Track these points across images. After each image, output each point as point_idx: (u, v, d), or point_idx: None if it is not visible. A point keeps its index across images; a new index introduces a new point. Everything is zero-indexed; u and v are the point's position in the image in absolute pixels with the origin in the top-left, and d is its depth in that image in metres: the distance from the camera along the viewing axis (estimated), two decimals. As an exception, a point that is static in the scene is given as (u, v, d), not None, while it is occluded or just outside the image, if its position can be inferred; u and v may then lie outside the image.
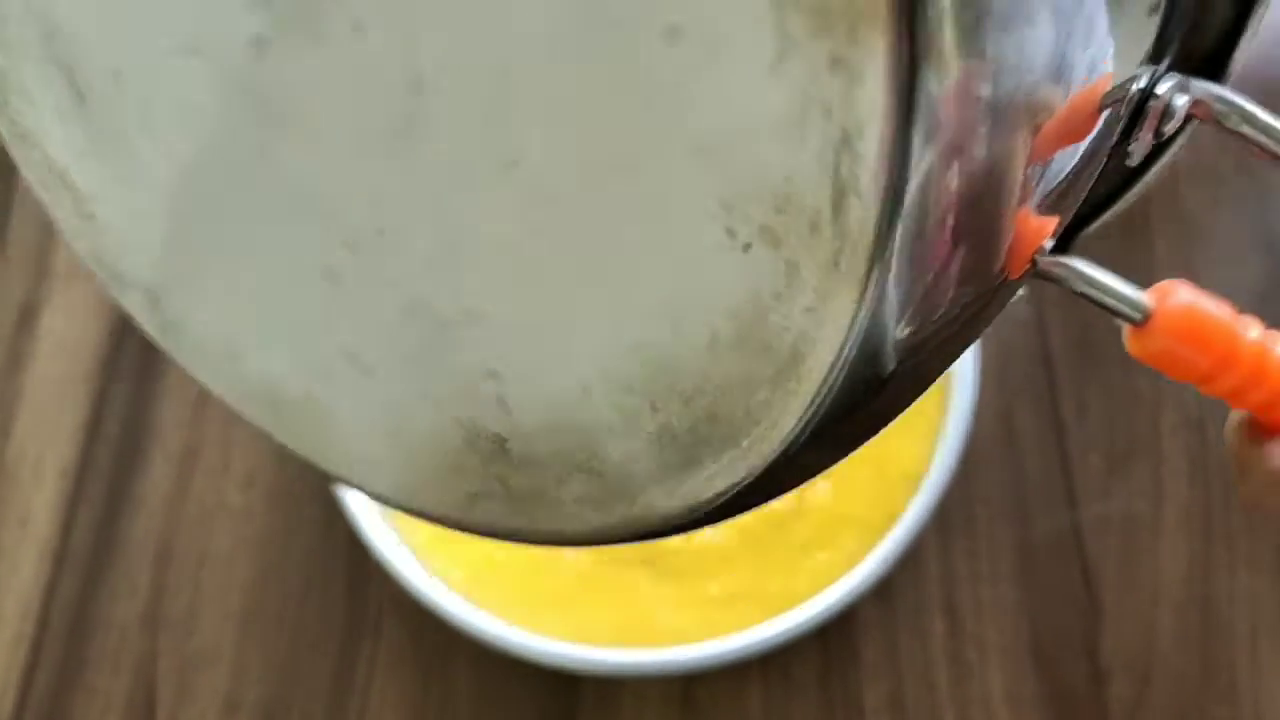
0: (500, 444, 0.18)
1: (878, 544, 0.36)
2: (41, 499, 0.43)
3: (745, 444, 0.16)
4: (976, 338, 0.17)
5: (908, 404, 0.17)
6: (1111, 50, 0.15)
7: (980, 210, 0.14)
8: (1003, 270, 0.16)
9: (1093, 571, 0.40)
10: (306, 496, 0.42)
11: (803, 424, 0.15)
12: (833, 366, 0.15)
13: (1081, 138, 0.16)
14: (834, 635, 0.39)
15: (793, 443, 0.16)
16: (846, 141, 0.13)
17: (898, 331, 0.14)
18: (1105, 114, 0.16)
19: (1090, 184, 0.18)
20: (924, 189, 0.13)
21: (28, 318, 0.45)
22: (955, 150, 0.13)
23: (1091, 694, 0.39)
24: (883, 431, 0.42)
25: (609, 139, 0.14)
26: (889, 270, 0.14)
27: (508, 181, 0.15)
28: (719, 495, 0.17)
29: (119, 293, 0.21)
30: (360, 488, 0.21)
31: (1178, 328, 0.19)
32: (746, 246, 0.14)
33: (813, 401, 0.15)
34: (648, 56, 0.13)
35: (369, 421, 0.20)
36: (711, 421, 0.16)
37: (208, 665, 0.41)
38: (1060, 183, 0.16)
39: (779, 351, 0.15)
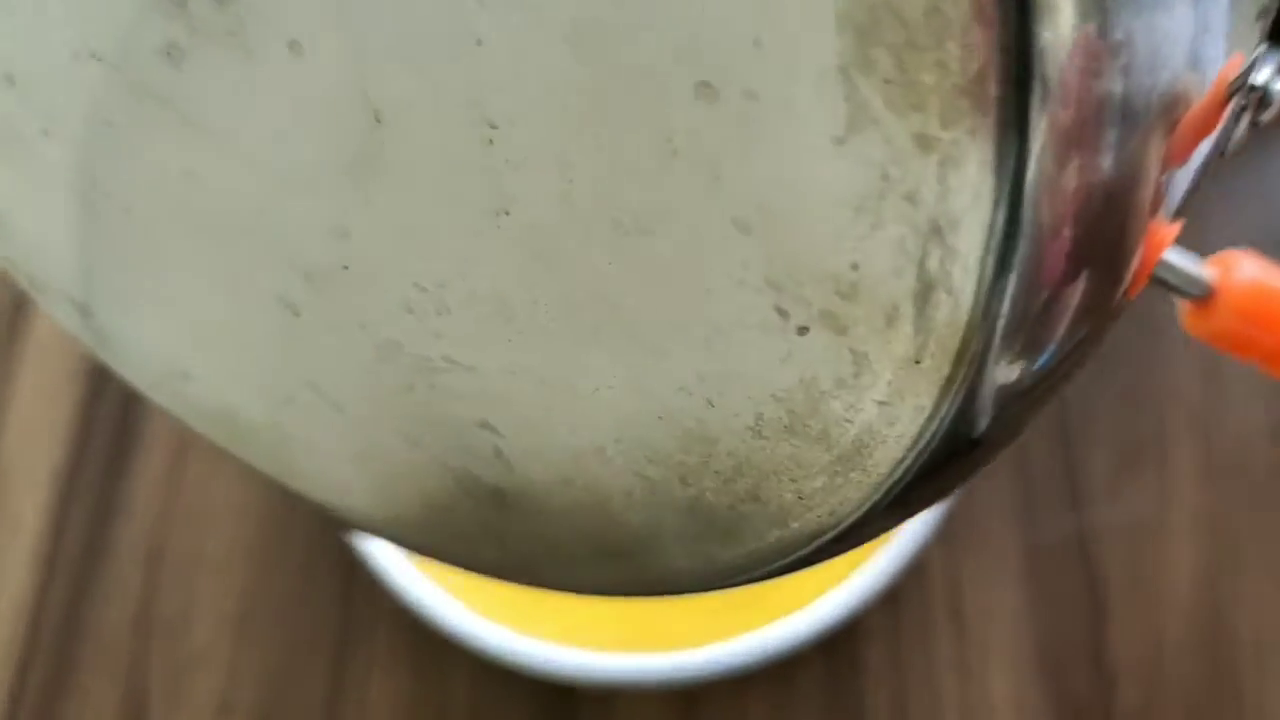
0: (498, 494, 0.16)
1: (882, 549, 0.36)
2: (32, 501, 0.42)
3: (796, 526, 0.14)
4: (1080, 370, 0.15)
5: (996, 456, 0.15)
6: (1226, 29, 0.13)
7: (1107, 231, 0.12)
8: (1126, 292, 0.14)
9: (1099, 577, 0.40)
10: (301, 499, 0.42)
11: (867, 509, 0.13)
12: (904, 458, 0.13)
13: (1212, 130, 0.14)
14: (837, 641, 0.39)
15: (854, 525, 0.14)
16: (937, 233, 0.11)
17: (1000, 377, 0.12)
18: (1233, 103, 0.14)
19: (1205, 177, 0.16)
20: (1038, 218, 0.11)
21: (18, 320, 0.45)
22: (1078, 169, 0.11)
23: (1097, 701, 0.39)
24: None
25: (623, 197, 0.12)
26: (986, 366, 0.12)
27: (496, 230, 0.13)
28: (762, 568, 0.15)
29: (43, 301, 0.19)
30: (333, 512, 0.19)
31: (1245, 305, 0.17)
32: (802, 330, 0.12)
33: (879, 488, 0.13)
34: (674, 114, 0.11)
35: (340, 453, 0.18)
36: (755, 501, 0.14)
37: (200, 669, 0.40)
38: (1191, 182, 0.14)
39: (839, 442, 0.13)
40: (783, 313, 0.12)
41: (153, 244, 0.16)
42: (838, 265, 0.11)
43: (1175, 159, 0.12)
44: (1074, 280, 0.12)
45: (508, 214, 0.13)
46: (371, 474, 0.18)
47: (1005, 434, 0.14)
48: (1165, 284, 0.17)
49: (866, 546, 0.37)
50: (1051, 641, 0.39)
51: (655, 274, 0.13)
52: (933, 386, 0.12)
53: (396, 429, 0.17)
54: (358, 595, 0.40)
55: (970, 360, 0.12)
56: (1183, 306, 0.18)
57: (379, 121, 0.13)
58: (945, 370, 0.12)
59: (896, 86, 0.10)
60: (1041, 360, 0.12)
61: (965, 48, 0.10)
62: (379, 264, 0.15)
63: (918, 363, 0.12)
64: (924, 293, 0.11)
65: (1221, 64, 0.13)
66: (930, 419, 0.12)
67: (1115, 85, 0.10)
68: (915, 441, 0.12)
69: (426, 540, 0.19)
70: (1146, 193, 0.12)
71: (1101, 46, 0.10)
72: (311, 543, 0.41)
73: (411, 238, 0.14)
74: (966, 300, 0.11)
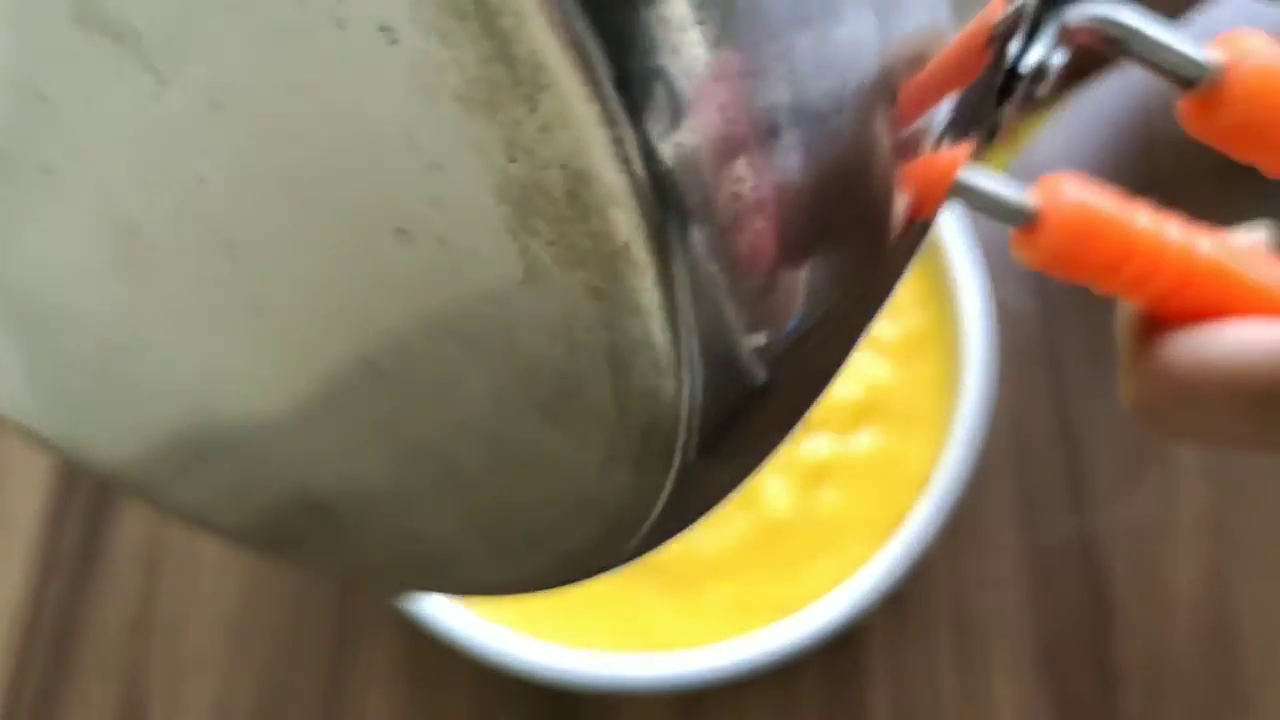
0: (320, 517, 0.18)
1: (885, 551, 0.36)
2: (29, 502, 0.42)
3: (589, 537, 0.15)
4: (896, 287, 0.15)
5: (824, 388, 0.15)
6: None
7: (826, 211, 0.12)
8: (909, 223, 0.14)
9: (1102, 578, 0.40)
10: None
11: (663, 504, 0.14)
12: (655, 513, 0.14)
13: (973, 76, 0.14)
14: (839, 643, 0.38)
15: (661, 517, 0.14)
16: (615, 355, 0.12)
17: (752, 343, 0.13)
18: (996, 46, 0.14)
19: (996, 100, 0.16)
20: (725, 312, 0.12)
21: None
22: (771, 190, 0.11)
23: (1101, 704, 0.38)
24: (890, 436, 0.41)
25: (358, 316, 0.13)
26: (690, 454, 0.13)
27: (260, 325, 0.14)
28: (581, 572, 0.16)
29: None
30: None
31: (1071, 227, 0.18)
32: (543, 421, 0.13)
33: (658, 504, 0.14)
34: (383, 251, 0.12)
35: (184, 505, 0.19)
36: (532, 540, 0.16)
37: (198, 672, 0.40)
38: (963, 111, 0.14)
39: (590, 511, 0.14)
40: (503, 406, 0.13)
41: None
42: (551, 374, 0.13)
43: (914, 114, 0.13)
44: (801, 263, 0.12)
45: (267, 313, 0.14)
46: (210, 510, 0.19)
47: (809, 369, 0.14)
48: (990, 214, 0.18)
49: (869, 547, 0.36)
50: (1054, 643, 0.39)
51: (400, 378, 0.14)
52: (660, 475, 0.13)
53: (216, 485, 0.18)
54: (355, 598, 0.40)
55: (683, 449, 0.13)
56: (1012, 234, 0.19)
57: (134, 234, 0.14)
58: (655, 463, 0.13)
59: (559, 248, 0.11)
60: (793, 323, 0.13)
61: (607, 224, 0.11)
62: (160, 344, 0.16)
63: (619, 458, 0.13)
64: (622, 402, 0.12)
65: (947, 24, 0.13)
66: (655, 500, 0.13)
67: (779, 97, 0.11)
68: (644, 518, 0.14)
69: (259, 547, 0.20)
70: (877, 153, 0.13)
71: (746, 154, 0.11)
72: (310, 544, 0.41)
73: (183, 325, 0.15)
74: (653, 407, 0.12)
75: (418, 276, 0.12)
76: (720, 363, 0.12)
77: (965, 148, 0.15)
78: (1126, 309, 0.21)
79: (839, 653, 0.39)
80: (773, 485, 0.38)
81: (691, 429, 0.12)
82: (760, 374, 0.13)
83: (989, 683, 0.39)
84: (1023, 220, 0.18)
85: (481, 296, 0.12)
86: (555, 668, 0.35)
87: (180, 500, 0.20)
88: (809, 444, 0.38)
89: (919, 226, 0.14)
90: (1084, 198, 0.18)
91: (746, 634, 0.35)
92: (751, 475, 0.15)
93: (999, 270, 0.41)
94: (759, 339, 0.13)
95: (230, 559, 0.41)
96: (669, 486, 0.13)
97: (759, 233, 0.11)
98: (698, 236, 0.11)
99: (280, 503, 0.18)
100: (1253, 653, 0.38)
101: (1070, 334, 0.42)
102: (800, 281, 0.12)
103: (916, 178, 0.13)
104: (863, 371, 0.39)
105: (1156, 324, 0.20)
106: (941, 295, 0.39)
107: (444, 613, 0.36)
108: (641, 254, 0.11)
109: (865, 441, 0.38)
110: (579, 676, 0.35)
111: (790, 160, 0.11)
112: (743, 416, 0.13)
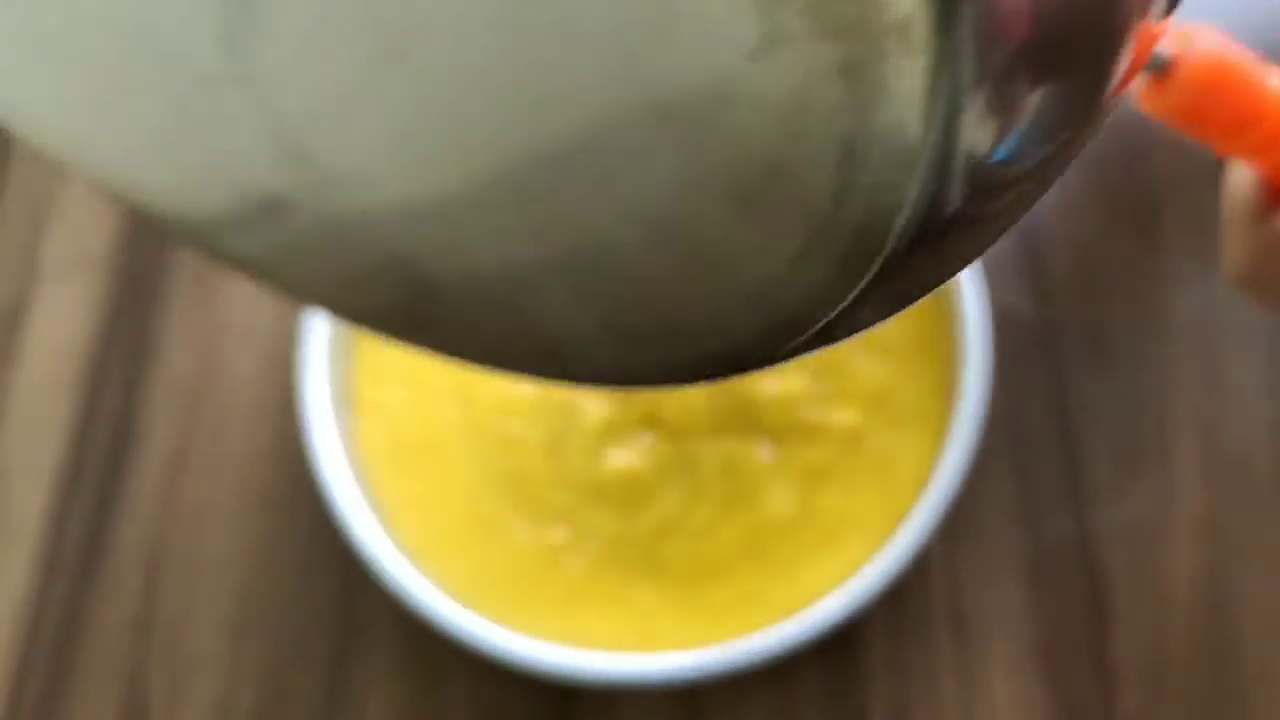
0: (426, 290, 0.15)
1: (884, 550, 0.36)
2: (31, 503, 0.42)
3: (722, 349, 0.14)
4: (1060, 172, 0.14)
5: (983, 249, 0.14)
6: None
7: (1078, 28, 0.11)
8: (1114, 93, 0.13)
9: (1100, 577, 0.40)
10: (299, 501, 0.41)
11: (851, 299, 0.13)
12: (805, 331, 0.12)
13: None
14: (838, 642, 0.38)
15: (838, 316, 0.13)
16: (850, 143, 0.10)
17: (972, 156, 0.11)
18: None
19: None
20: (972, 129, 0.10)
21: (16, 318, 0.45)
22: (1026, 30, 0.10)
23: (1100, 703, 0.38)
24: (889, 435, 0.41)
25: (532, 77, 0.11)
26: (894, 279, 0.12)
27: (400, 76, 0.12)
28: (720, 367, 0.14)
29: None
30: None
31: (1202, 77, 0.18)
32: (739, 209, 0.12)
33: (855, 278, 0.12)
34: (575, 4, 0.11)
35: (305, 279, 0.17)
36: (676, 332, 0.14)
37: (199, 672, 0.40)
38: None
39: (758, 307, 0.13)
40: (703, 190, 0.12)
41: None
42: (758, 165, 0.11)
43: None
44: (1040, 74, 0.11)
45: (407, 63, 0.12)
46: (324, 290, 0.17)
47: (984, 225, 0.13)
48: None
49: (869, 546, 0.36)
50: (1053, 642, 0.39)
51: (562, 158, 0.12)
52: (852, 280, 0.12)
53: (338, 264, 0.16)
54: (356, 596, 0.40)
55: (886, 256, 0.11)
56: (1139, 83, 0.18)
57: None
58: (850, 273, 0.12)
59: (815, 18, 0.10)
60: (1004, 152, 0.11)
61: None
62: (276, 82, 0.13)
63: (840, 262, 0.12)
64: (841, 194, 0.11)
65: None
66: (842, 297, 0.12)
67: None
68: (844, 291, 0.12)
69: (343, 312, 0.18)
70: (1130, 10, 0.12)
71: None
72: (311, 544, 0.41)
73: (301, 68, 0.13)
74: (896, 196, 0.11)
75: (621, 36, 0.11)
76: (940, 174, 0.11)
77: (1166, 23, 0.14)
78: (1242, 175, 0.21)
79: (838, 651, 0.39)
80: (773, 485, 0.38)
81: (901, 238, 0.11)
82: (959, 200, 0.12)
83: (987, 682, 0.39)
84: (1154, 67, 0.18)
85: (697, 66, 0.10)
86: (556, 665, 0.35)
87: (284, 274, 0.17)
88: (808, 444, 0.38)
89: (1112, 102, 0.13)
90: (1219, 49, 0.18)
91: (746, 634, 0.36)
92: (900, 311, 0.14)
93: (998, 271, 0.41)
94: (978, 150, 0.11)
95: (231, 559, 0.41)
96: (854, 293, 0.12)
97: (1021, 17, 0.10)
98: (972, 17, 0.10)
99: (380, 279, 0.16)
100: (1250, 651, 0.39)
101: (1069, 335, 0.42)
102: (1029, 101, 0.11)
103: (1138, 40, 0.12)
104: (862, 371, 0.39)
105: (1277, 194, 0.20)
106: (940, 295, 0.39)
107: (445, 609, 0.36)
108: (922, 33, 0.09)
109: (864, 441, 0.38)
110: (580, 674, 0.35)
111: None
112: (934, 241, 0.12)
